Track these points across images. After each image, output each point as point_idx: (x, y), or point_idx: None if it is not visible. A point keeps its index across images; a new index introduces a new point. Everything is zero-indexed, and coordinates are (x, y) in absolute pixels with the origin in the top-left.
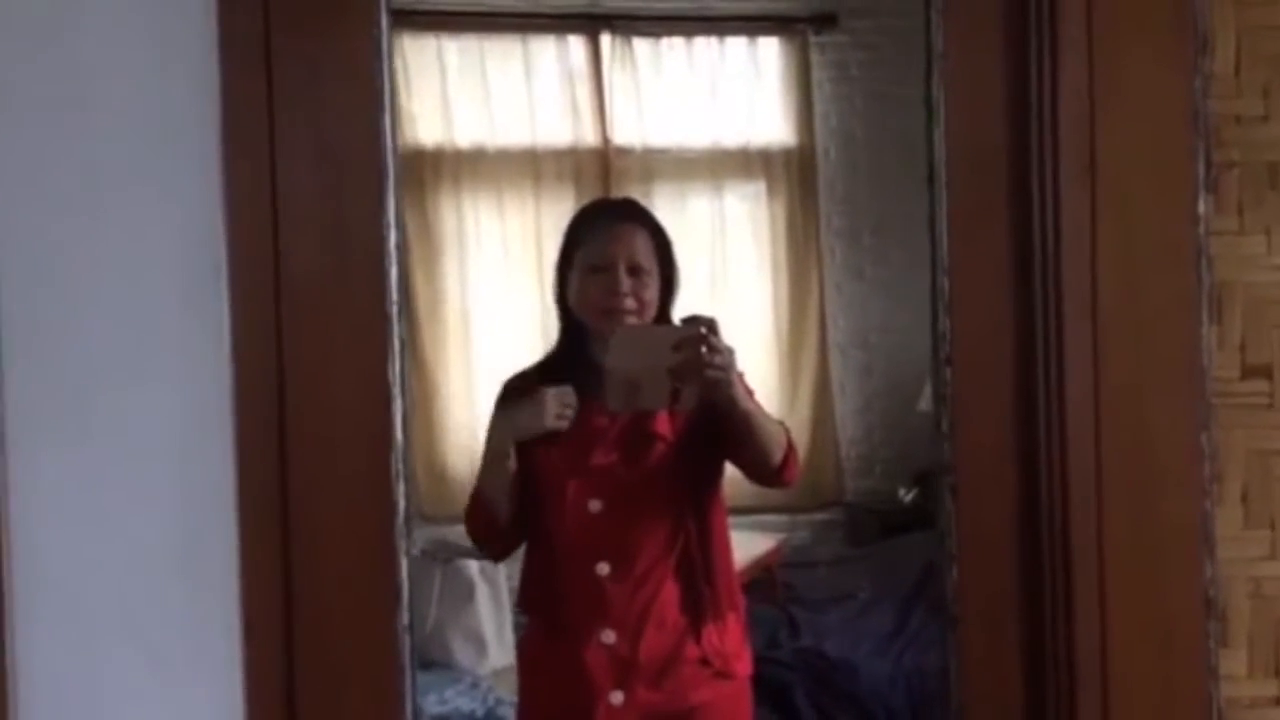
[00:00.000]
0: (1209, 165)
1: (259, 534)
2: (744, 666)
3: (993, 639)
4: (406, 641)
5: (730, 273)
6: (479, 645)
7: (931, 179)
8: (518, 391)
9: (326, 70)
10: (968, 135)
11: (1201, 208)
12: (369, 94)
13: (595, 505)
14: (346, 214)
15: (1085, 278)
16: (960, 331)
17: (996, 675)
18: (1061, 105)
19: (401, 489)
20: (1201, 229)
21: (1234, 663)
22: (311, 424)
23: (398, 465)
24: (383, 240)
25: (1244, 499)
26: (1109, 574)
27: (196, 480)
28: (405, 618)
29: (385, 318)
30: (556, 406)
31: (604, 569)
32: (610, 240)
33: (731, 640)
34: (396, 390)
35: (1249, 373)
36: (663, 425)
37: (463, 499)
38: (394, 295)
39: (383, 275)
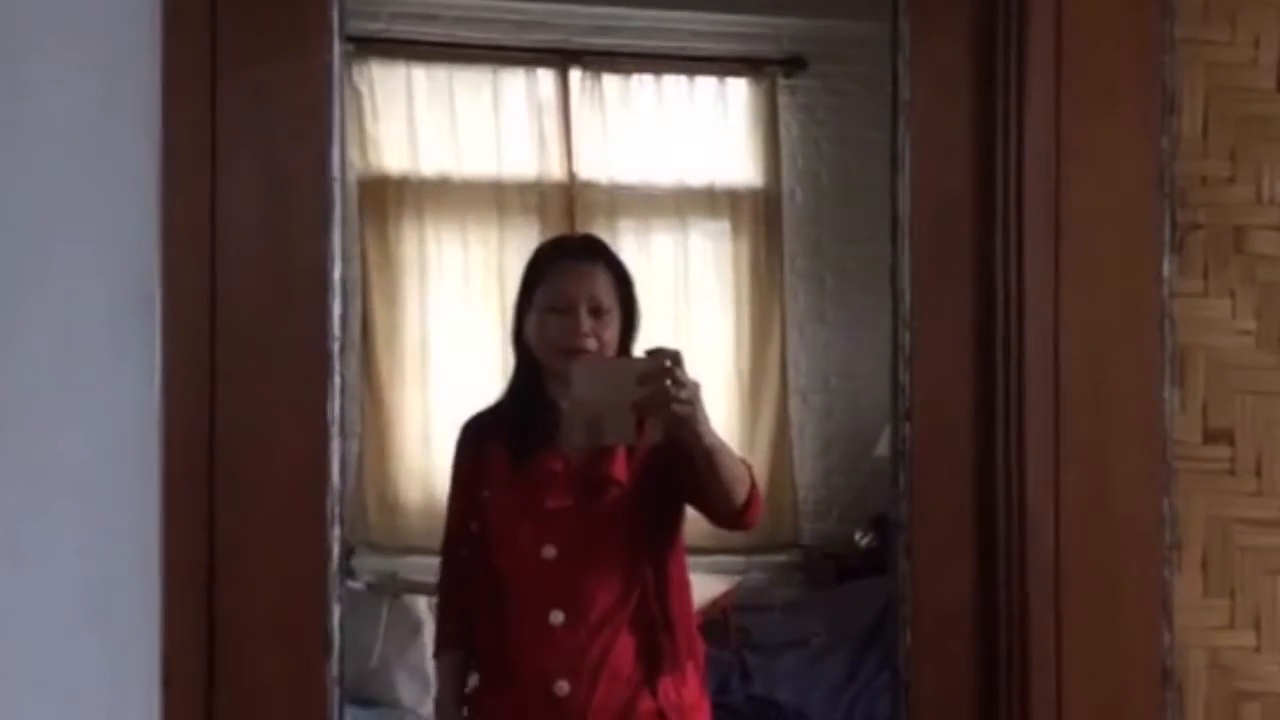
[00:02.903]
0: (1174, 226)
1: (183, 579)
2: (702, 718)
3: (945, 705)
4: (336, 694)
5: (693, 311)
6: (424, 683)
7: (894, 229)
8: (475, 433)
9: (274, 98)
10: (932, 186)
11: (1166, 269)
12: (318, 124)
13: (549, 551)
14: (289, 248)
15: (1048, 336)
16: (920, 385)
17: None
18: (1027, 161)
19: (336, 534)
20: (1165, 290)
21: None
22: (244, 466)
23: (334, 509)
24: (326, 275)
25: (1204, 566)
26: (1065, 641)
27: (118, 524)
28: (335, 669)
29: (326, 355)
30: None
31: (558, 617)
32: (571, 279)
33: (690, 692)
34: (335, 431)
35: (1210, 437)
36: (619, 469)
37: (415, 530)
38: (336, 332)
39: (325, 312)
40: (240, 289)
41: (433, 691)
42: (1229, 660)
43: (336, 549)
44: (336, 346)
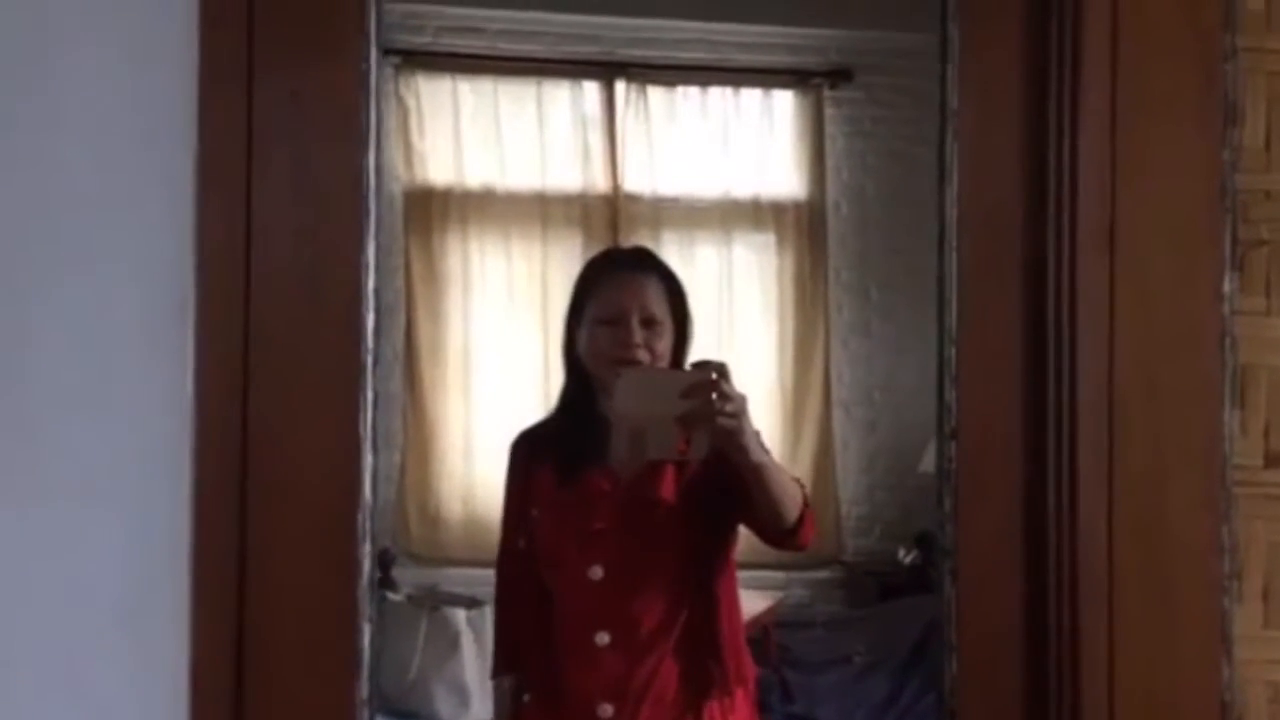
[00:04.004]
0: (1235, 242)
1: (212, 591)
2: None
3: None
4: (365, 716)
5: (736, 324)
6: (462, 696)
7: (941, 241)
8: (526, 449)
9: (309, 107)
10: (980, 197)
11: (1226, 286)
12: (354, 133)
13: (596, 572)
14: (324, 258)
15: (1102, 355)
16: (966, 403)
17: None
18: (1080, 172)
19: (368, 549)
20: (1226, 308)
21: None
22: (275, 477)
23: (365, 525)
24: (360, 287)
25: (1265, 596)
26: (1119, 674)
27: (150, 531)
28: (364, 691)
29: (360, 367)
30: None
31: (604, 639)
32: (622, 291)
33: (738, 718)
34: (368, 445)
35: (1272, 461)
36: (667, 489)
37: (456, 542)
38: (370, 344)
39: (359, 323)
40: (274, 298)
41: (471, 705)
42: None
43: (368, 565)
44: (370, 359)
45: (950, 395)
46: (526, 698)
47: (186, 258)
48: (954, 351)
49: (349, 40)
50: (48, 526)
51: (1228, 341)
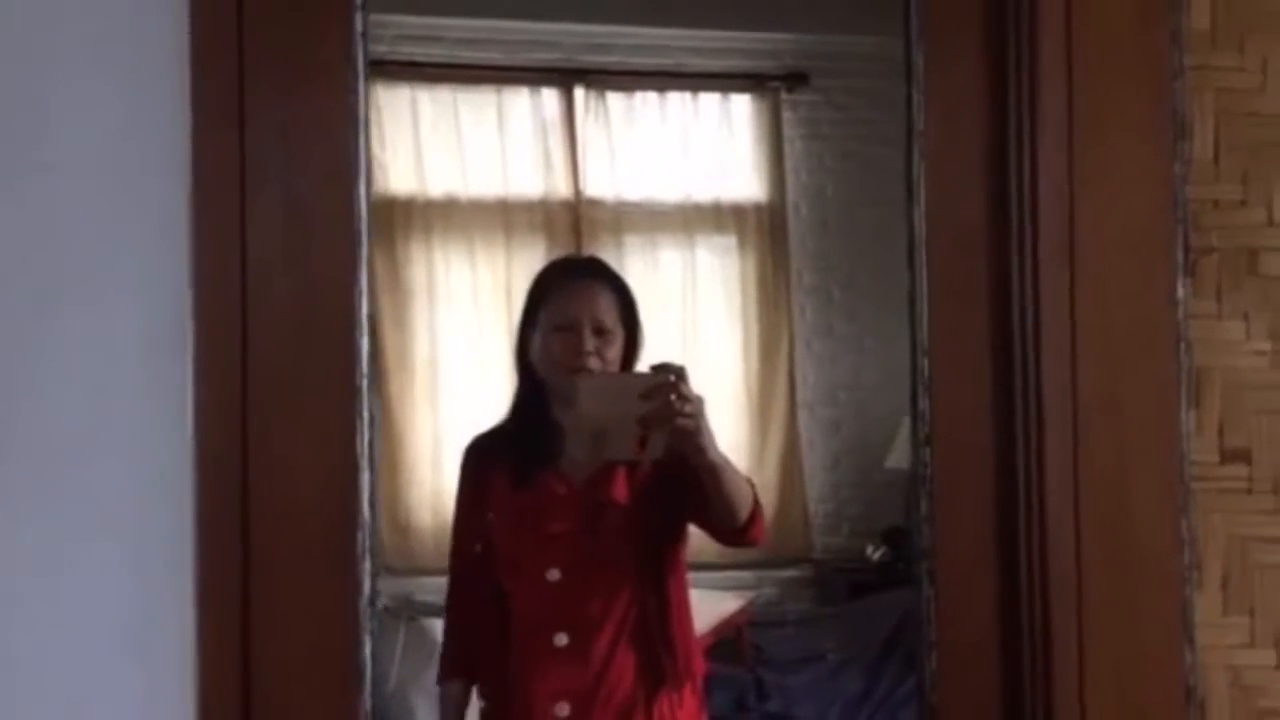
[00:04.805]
0: (1187, 250)
1: (217, 614)
2: None
3: None
4: None
5: (700, 326)
6: None
7: (911, 258)
8: (477, 455)
9: (299, 132)
10: (947, 213)
11: (1180, 292)
12: (343, 157)
13: (553, 574)
14: (317, 282)
15: (1065, 361)
16: (939, 412)
17: None
18: (1041, 187)
19: (367, 567)
20: (1180, 313)
21: None
22: (275, 500)
23: (364, 543)
24: (354, 310)
25: (1224, 585)
26: (1088, 661)
27: (153, 558)
28: (368, 703)
29: (355, 390)
30: None
31: (562, 639)
32: (575, 299)
33: (685, 714)
34: (364, 465)
35: (1228, 457)
36: (620, 491)
37: (427, 552)
38: (364, 367)
39: (353, 346)
40: (270, 325)
41: None
42: (1251, 679)
43: (368, 582)
44: (365, 382)
45: (924, 404)
46: (481, 704)
47: (183, 287)
48: (926, 362)
49: (336, 69)
50: (54, 555)
51: (1182, 345)
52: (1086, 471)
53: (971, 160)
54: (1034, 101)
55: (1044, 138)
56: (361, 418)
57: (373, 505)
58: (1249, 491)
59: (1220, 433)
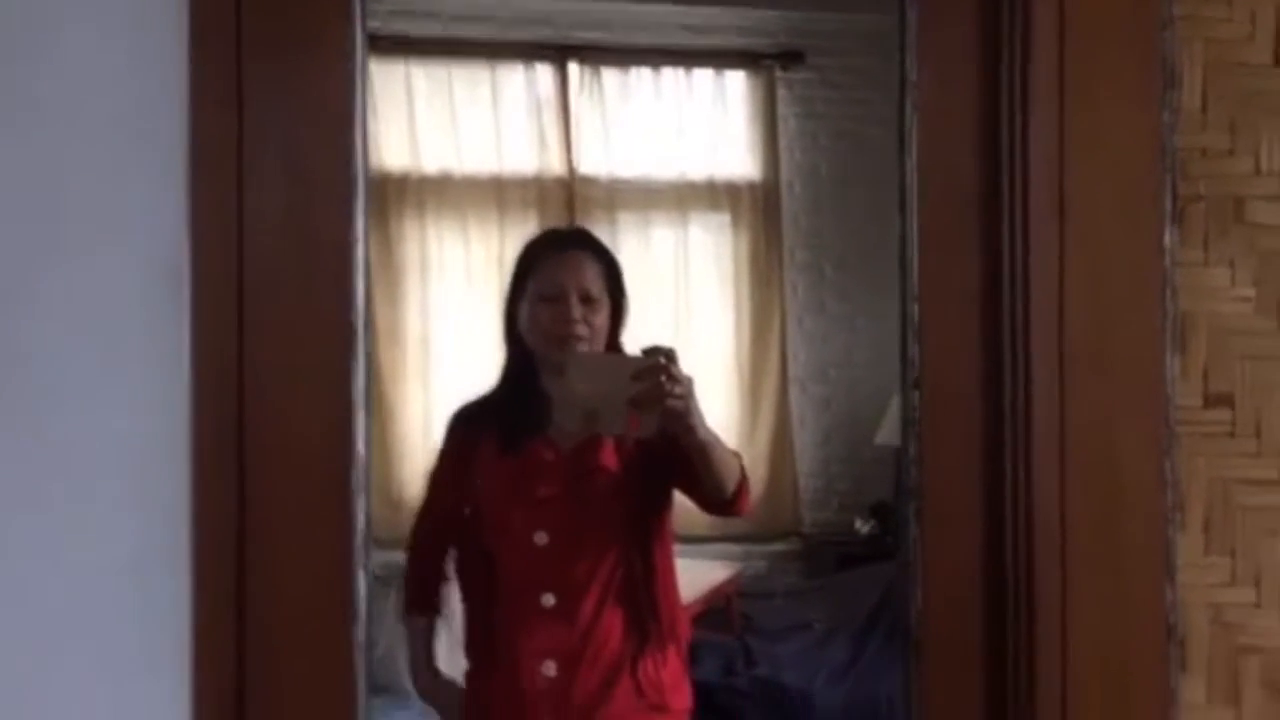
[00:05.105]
0: (1175, 198)
1: (214, 546)
2: (681, 701)
3: (954, 664)
4: (361, 660)
5: (693, 303)
6: None
7: (903, 206)
8: (465, 421)
9: (298, 95)
10: (939, 163)
11: (1168, 240)
12: (342, 119)
13: (541, 537)
14: (314, 229)
15: (1053, 307)
16: (929, 357)
17: (957, 700)
18: (1031, 136)
19: (362, 504)
20: (1167, 261)
21: (1193, 690)
22: (271, 438)
23: (359, 481)
24: (350, 255)
25: (1205, 526)
26: (1071, 598)
27: (151, 499)
28: (360, 635)
29: (351, 332)
30: None
31: (549, 600)
32: (561, 269)
33: (669, 673)
34: (359, 405)
35: (1211, 401)
36: (609, 458)
37: None
38: (360, 309)
39: (349, 290)
40: (266, 269)
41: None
42: (1230, 616)
43: (362, 520)
44: (361, 324)
45: (913, 350)
46: (466, 665)
47: (181, 233)
48: (916, 309)
49: (335, 35)
50: (53, 503)
51: (1169, 292)
52: (1072, 414)
53: (963, 109)
54: (1026, 51)
55: (1035, 86)
56: (357, 360)
57: (368, 445)
58: (1232, 435)
59: (1204, 378)
